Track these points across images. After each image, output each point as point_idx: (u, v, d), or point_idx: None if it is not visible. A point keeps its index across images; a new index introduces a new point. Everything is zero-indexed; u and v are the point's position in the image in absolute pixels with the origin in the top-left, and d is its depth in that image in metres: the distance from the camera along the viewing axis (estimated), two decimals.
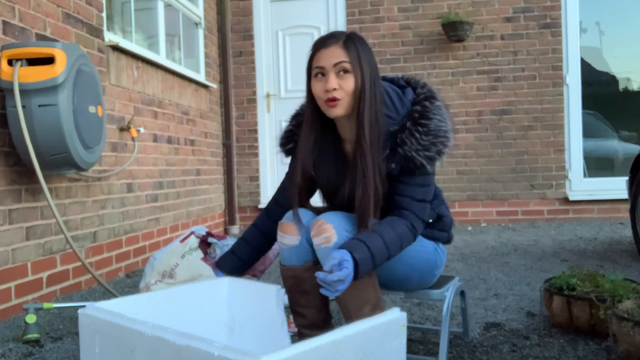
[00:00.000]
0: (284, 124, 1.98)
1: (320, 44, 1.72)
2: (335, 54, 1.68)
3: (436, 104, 1.72)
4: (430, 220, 1.84)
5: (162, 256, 2.44)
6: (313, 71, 1.72)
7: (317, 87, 1.71)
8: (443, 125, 1.69)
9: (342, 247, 1.60)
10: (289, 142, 1.90)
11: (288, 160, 1.97)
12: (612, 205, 5.43)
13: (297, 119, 1.90)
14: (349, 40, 1.69)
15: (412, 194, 1.73)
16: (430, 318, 2.45)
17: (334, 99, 1.68)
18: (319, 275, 1.52)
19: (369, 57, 1.71)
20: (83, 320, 1.58)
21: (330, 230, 1.66)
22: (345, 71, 1.67)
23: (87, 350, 1.57)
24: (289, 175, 1.91)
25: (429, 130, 1.67)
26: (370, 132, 1.67)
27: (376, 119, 1.69)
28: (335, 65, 1.67)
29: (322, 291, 1.54)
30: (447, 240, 1.94)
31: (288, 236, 1.78)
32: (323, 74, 1.70)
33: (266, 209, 2.00)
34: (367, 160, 1.67)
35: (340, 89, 1.68)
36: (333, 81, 1.67)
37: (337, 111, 1.70)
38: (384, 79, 1.84)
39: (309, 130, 1.80)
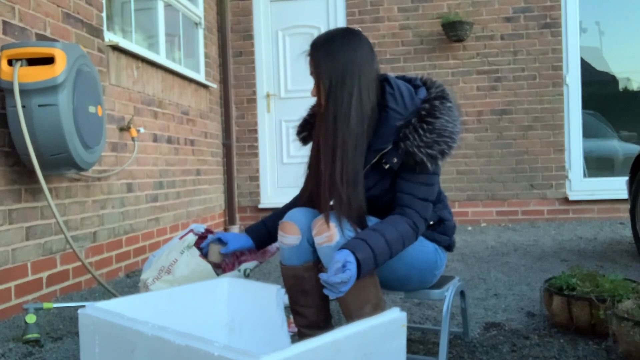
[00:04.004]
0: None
1: (308, 52, 1.81)
2: (310, 65, 1.80)
3: (447, 105, 1.72)
4: (432, 222, 1.84)
5: (160, 254, 2.44)
6: None
7: None
8: (450, 126, 1.69)
9: (344, 246, 1.60)
10: (303, 130, 1.97)
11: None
12: (612, 205, 5.43)
13: (314, 109, 1.96)
14: (317, 49, 1.77)
15: (414, 191, 1.73)
16: (430, 318, 2.45)
17: (319, 104, 1.80)
18: (322, 276, 1.54)
19: (332, 63, 1.73)
20: (83, 320, 1.58)
21: (332, 229, 1.67)
22: (316, 81, 1.78)
23: (87, 350, 1.57)
24: (308, 165, 1.96)
25: (433, 128, 1.67)
26: (327, 130, 1.73)
27: (335, 120, 1.72)
28: (311, 74, 1.80)
29: (326, 292, 1.55)
30: (449, 246, 1.94)
31: (289, 236, 1.78)
32: None
33: (299, 194, 2.03)
34: (327, 164, 1.72)
35: (317, 95, 1.79)
36: (313, 89, 1.80)
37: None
38: (403, 78, 1.86)
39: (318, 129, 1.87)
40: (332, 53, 1.73)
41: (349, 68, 1.72)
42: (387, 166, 1.74)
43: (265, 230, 2.02)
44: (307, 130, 1.95)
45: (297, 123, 2.02)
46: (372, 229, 1.67)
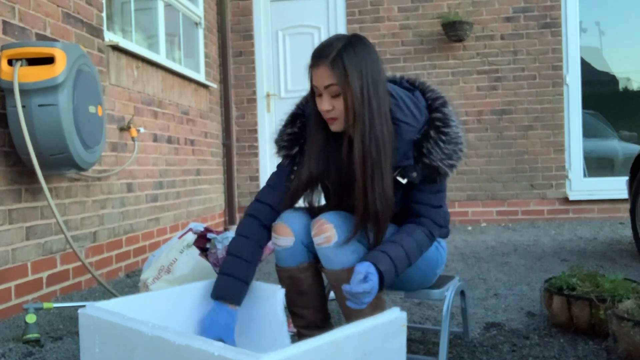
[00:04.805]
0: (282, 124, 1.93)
1: (312, 62, 1.66)
2: (324, 76, 1.63)
3: (450, 109, 1.72)
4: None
5: (160, 253, 2.45)
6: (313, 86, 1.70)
7: (318, 104, 1.69)
8: (459, 131, 1.70)
9: (365, 259, 1.60)
10: (294, 145, 1.82)
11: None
12: (612, 205, 5.43)
13: (301, 120, 1.82)
14: (337, 58, 1.61)
15: (429, 201, 1.73)
16: (430, 318, 2.45)
17: (331, 118, 1.67)
18: (345, 287, 1.52)
19: (360, 71, 1.62)
20: (83, 320, 1.58)
21: (331, 230, 1.67)
22: (337, 94, 1.63)
23: (87, 350, 1.57)
24: (278, 176, 1.86)
25: (450, 138, 1.66)
26: (364, 151, 1.62)
27: (371, 134, 1.62)
28: (326, 87, 1.64)
29: (349, 303, 1.54)
30: (446, 234, 1.95)
31: (282, 237, 1.76)
32: (320, 93, 1.67)
33: (253, 214, 1.82)
34: (358, 178, 1.64)
35: (334, 109, 1.65)
36: (325, 103, 1.65)
37: (336, 128, 1.70)
38: (389, 80, 1.79)
39: (317, 137, 1.75)
40: (357, 61, 1.62)
41: (377, 75, 1.65)
42: (405, 180, 1.69)
43: (245, 286, 1.77)
44: (299, 145, 1.81)
45: (277, 137, 1.87)
46: (391, 240, 1.67)
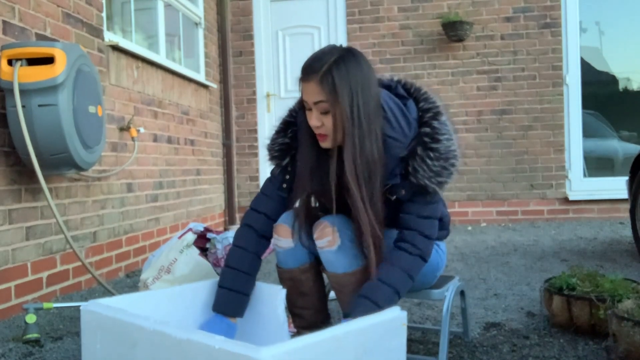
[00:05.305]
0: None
1: (303, 75, 1.60)
2: (314, 92, 1.57)
3: (442, 120, 1.64)
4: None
5: (160, 253, 2.45)
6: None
7: (307, 118, 1.64)
8: (451, 144, 1.62)
9: (345, 313, 1.59)
10: (285, 155, 1.79)
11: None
12: (612, 205, 5.43)
13: (293, 129, 1.78)
14: (327, 74, 1.54)
15: (417, 211, 1.66)
16: (430, 318, 2.45)
17: (320, 135, 1.63)
18: None
19: (350, 89, 1.55)
20: (85, 316, 1.59)
21: (333, 234, 1.66)
22: (326, 111, 1.58)
23: (88, 346, 1.58)
24: (271, 183, 1.83)
25: (440, 154, 1.60)
26: (356, 172, 1.58)
27: (362, 155, 1.57)
28: (315, 103, 1.58)
29: None
30: (445, 235, 1.94)
31: (283, 239, 1.76)
32: (309, 108, 1.61)
33: (249, 224, 1.81)
34: (356, 199, 1.59)
35: (324, 125, 1.60)
36: (314, 119, 1.60)
37: (326, 145, 1.65)
38: (382, 85, 1.73)
39: (307, 152, 1.71)
40: (348, 77, 1.55)
41: (369, 92, 1.58)
42: (393, 197, 1.66)
43: (246, 299, 1.78)
44: (290, 155, 1.78)
45: (269, 144, 1.82)
46: (374, 279, 1.61)
